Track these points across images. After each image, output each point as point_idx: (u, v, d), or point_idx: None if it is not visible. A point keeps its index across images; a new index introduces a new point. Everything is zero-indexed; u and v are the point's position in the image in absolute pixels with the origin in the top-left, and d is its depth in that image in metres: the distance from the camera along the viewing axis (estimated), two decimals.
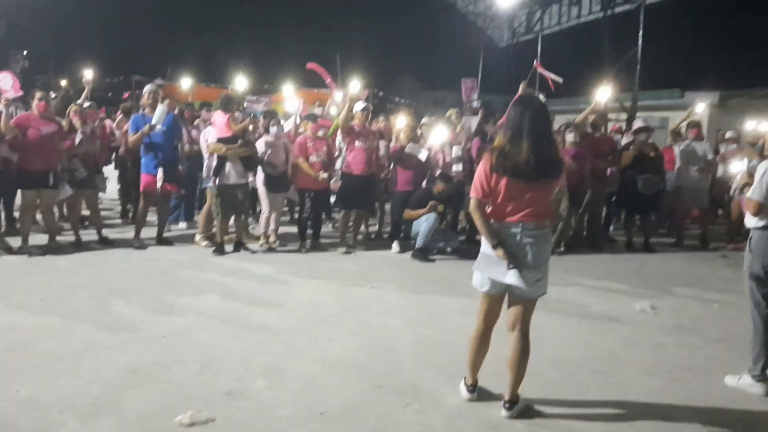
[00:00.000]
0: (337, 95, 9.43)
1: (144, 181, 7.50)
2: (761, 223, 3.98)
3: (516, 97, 7.70)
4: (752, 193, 3.99)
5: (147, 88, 7.69)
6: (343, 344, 4.66)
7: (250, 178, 7.75)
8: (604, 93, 8.26)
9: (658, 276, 7.32)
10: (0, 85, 6.83)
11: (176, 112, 8.43)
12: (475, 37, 26.53)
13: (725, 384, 4.13)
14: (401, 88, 38.04)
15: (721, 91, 16.84)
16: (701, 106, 10.25)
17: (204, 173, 7.97)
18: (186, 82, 10.27)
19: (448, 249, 8.21)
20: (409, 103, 25.60)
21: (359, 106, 8.12)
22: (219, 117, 7.43)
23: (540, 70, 9.86)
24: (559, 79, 9.24)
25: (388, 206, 9.28)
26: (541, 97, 8.06)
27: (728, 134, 9.48)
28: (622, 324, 5.44)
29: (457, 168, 8.40)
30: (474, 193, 3.51)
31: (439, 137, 8.43)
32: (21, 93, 7.02)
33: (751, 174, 4.24)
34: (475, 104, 13.84)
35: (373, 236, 9.13)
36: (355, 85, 8.07)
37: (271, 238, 8.01)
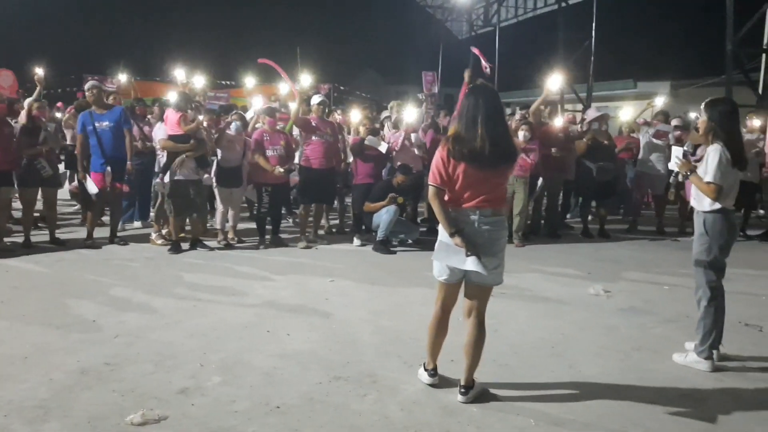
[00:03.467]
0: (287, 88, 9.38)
1: (92, 180, 7.36)
2: (716, 207, 4.05)
3: (465, 85, 7.89)
4: (712, 178, 3.97)
5: (89, 84, 7.52)
6: (302, 337, 4.63)
7: (205, 175, 7.63)
8: (554, 81, 8.36)
9: (613, 261, 7.48)
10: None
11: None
12: (434, 30, 26.68)
13: (674, 362, 4.25)
14: (364, 82, 37.97)
15: (672, 81, 17.26)
16: (660, 100, 10.49)
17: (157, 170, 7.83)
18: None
19: (410, 240, 8.24)
20: (371, 97, 25.61)
21: (316, 99, 8.07)
22: (171, 114, 7.33)
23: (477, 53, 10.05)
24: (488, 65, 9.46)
25: (349, 199, 9.27)
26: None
27: (674, 122, 9.73)
28: (577, 308, 5.54)
29: (419, 153, 8.45)
30: (432, 181, 3.52)
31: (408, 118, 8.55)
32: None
33: (687, 160, 4.31)
34: (420, 96, 14.02)
35: (334, 230, 9.11)
36: (307, 78, 8.02)
37: (230, 235, 7.92)
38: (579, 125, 9.73)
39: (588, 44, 16.92)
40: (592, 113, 9.48)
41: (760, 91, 12.83)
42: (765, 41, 12.82)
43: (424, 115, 9.95)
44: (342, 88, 22.45)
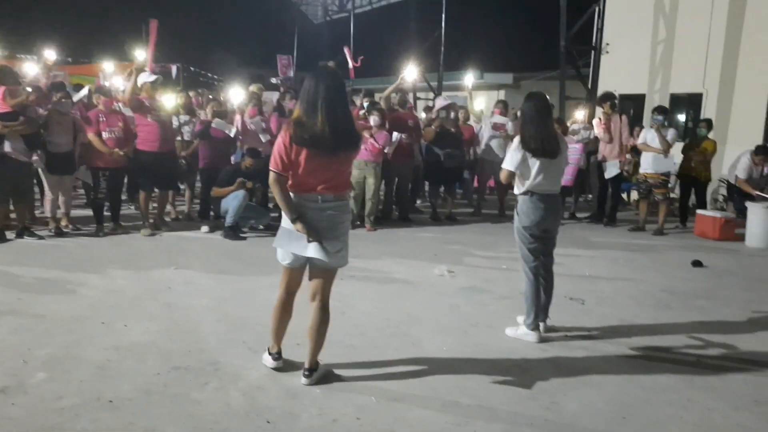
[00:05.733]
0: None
1: None
2: (521, 190, 4.46)
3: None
4: (504, 164, 4.48)
5: None
6: (141, 328, 4.41)
7: (34, 157, 6.99)
8: (410, 72, 8.59)
9: (458, 243, 7.85)
10: None
11: None
12: (289, 13, 26.32)
13: (506, 335, 4.55)
14: (217, 63, 36.58)
15: (514, 73, 18.33)
16: (470, 80, 11.07)
17: None
18: None
19: (260, 226, 8.10)
20: (224, 80, 24.73)
21: (145, 77, 7.55)
22: None
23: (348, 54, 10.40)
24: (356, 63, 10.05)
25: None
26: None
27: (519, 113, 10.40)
28: (423, 288, 5.76)
29: (264, 138, 8.32)
30: (273, 167, 3.45)
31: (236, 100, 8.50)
32: None
33: None
34: (273, 80, 13.88)
35: (181, 216, 8.74)
36: (141, 54, 7.59)
37: (62, 222, 7.33)
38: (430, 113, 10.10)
39: (438, 35, 17.51)
40: (440, 102, 9.85)
41: (589, 85, 14.00)
42: (594, 40, 13.98)
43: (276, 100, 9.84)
44: (192, 69, 21.49)
